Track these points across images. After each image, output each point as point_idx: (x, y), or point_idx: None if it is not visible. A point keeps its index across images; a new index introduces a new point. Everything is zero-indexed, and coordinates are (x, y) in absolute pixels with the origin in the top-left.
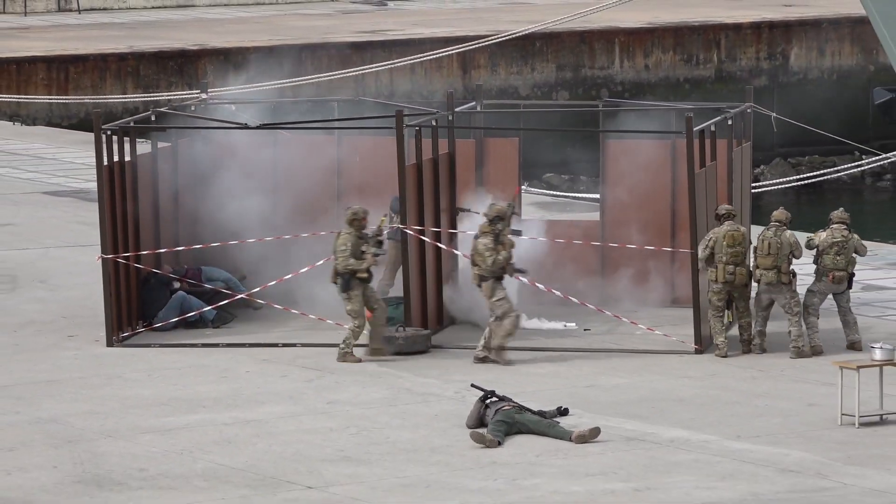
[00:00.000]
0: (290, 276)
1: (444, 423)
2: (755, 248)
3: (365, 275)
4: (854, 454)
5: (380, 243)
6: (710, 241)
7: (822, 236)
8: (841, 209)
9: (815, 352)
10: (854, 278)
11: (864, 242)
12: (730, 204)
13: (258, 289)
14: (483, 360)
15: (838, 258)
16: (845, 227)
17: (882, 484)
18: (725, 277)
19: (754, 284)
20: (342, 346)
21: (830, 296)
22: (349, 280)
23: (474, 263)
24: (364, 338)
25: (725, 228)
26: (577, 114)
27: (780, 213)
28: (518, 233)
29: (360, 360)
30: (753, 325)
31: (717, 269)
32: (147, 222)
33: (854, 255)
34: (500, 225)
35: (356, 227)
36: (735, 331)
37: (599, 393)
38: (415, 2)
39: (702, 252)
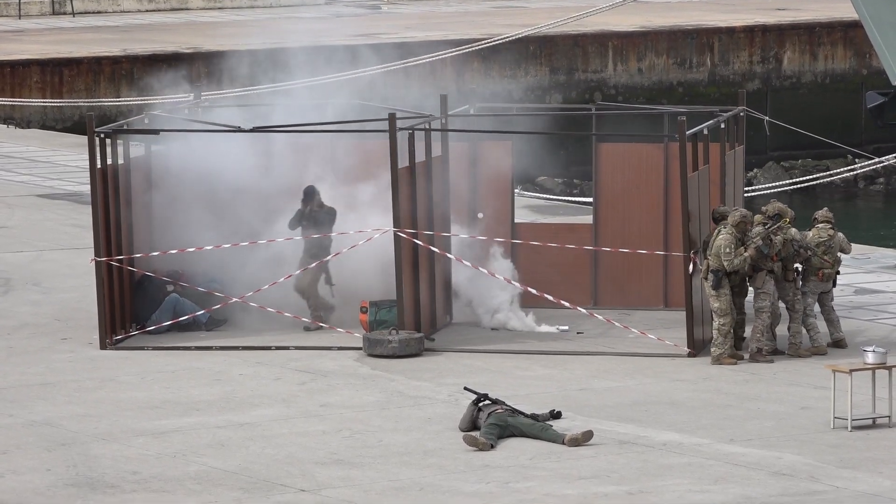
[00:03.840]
0: (282, 279)
1: (437, 427)
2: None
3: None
4: (846, 457)
5: (768, 246)
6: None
7: (808, 236)
8: (825, 209)
9: (819, 352)
10: (839, 276)
11: (855, 244)
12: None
13: (251, 293)
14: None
15: (825, 257)
16: (830, 226)
17: (874, 487)
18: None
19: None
20: (714, 348)
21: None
22: (721, 278)
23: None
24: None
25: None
26: (570, 117)
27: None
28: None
29: (735, 362)
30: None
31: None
32: (140, 225)
33: (840, 253)
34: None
35: (739, 230)
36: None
37: (592, 396)
38: (408, 5)
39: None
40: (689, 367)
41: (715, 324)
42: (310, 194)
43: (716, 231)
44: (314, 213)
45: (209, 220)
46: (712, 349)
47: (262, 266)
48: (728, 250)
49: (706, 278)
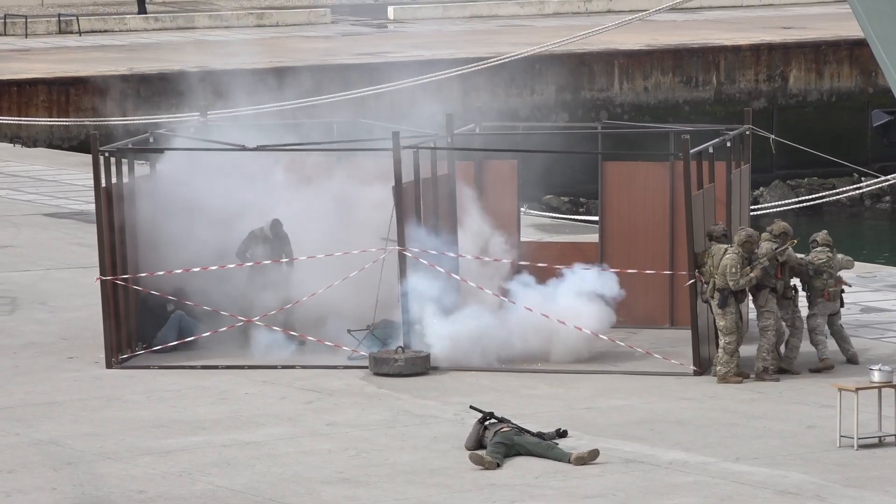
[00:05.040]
0: (289, 305)
1: (444, 445)
2: None
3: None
4: (852, 476)
5: (774, 266)
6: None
7: (807, 260)
8: (825, 231)
9: (827, 366)
10: (843, 295)
11: (860, 262)
12: (728, 226)
13: (257, 318)
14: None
15: (829, 280)
16: (829, 249)
17: None
18: None
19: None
20: (719, 367)
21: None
22: (727, 297)
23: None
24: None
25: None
26: (576, 136)
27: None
28: None
29: (741, 381)
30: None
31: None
32: (145, 243)
33: (843, 270)
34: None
35: (746, 249)
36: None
37: (598, 415)
38: (414, 24)
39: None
40: (695, 386)
41: (721, 342)
42: (281, 232)
43: (722, 250)
44: (280, 242)
45: (211, 239)
46: (718, 368)
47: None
48: (734, 270)
49: (712, 297)
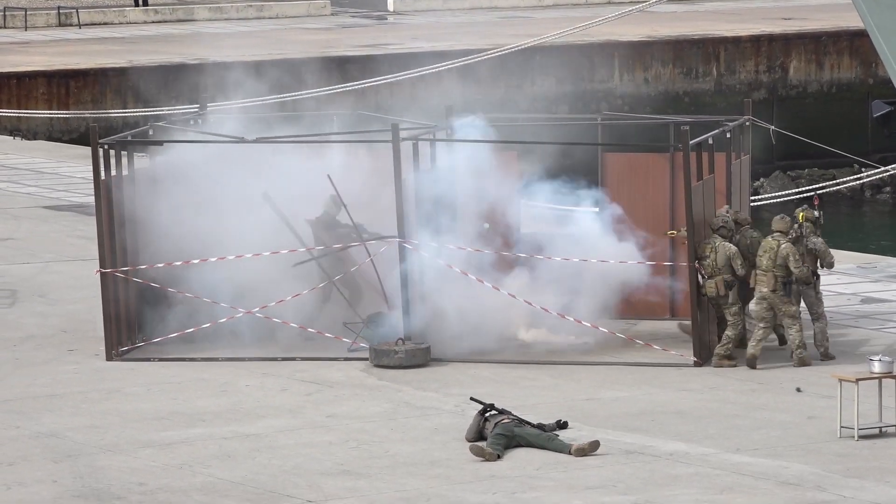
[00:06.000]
0: (293, 296)
1: (444, 437)
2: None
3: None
4: (853, 467)
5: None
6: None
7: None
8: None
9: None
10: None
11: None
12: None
13: (257, 309)
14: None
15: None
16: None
17: (881, 496)
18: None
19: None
20: (798, 349)
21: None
22: (788, 285)
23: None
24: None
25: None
26: (576, 127)
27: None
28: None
29: (734, 365)
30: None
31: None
32: (145, 235)
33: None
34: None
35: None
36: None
37: (598, 406)
38: (414, 16)
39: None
40: (696, 377)
41: (796, 326)
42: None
43: (775, 243)
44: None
45: (211, 231)
46: (796, 350)
47: (262, 278)
48: (797, 257)
49: (775, 290)
